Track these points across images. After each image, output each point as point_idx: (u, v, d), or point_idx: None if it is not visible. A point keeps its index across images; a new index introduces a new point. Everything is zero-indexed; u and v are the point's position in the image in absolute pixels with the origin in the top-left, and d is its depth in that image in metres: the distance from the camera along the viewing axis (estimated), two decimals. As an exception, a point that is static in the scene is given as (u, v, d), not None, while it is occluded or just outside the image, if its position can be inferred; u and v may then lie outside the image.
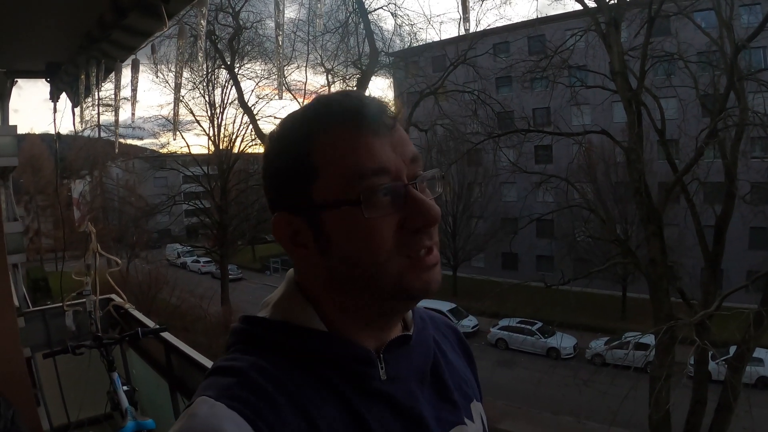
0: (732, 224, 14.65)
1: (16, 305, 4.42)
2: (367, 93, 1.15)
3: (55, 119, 3.77)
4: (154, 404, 4.34)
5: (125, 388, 3.81)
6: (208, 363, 3.40)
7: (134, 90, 2.49)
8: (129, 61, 2.49)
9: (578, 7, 16.06)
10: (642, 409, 13.58)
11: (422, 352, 1.01)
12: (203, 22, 1.80)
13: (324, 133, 0.86)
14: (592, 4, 15.42)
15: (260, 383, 0.83)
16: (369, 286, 0.88)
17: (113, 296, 5.10)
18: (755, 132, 14.15)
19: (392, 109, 0.93)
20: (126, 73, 2.55)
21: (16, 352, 4.21)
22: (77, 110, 3.52)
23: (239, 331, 0.96)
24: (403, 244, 0.86)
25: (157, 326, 4.15)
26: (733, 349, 12.93)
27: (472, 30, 17.67)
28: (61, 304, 4.78)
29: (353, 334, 0.92)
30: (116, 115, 2.82)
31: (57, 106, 3.86)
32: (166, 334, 4.02)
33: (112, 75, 2.76)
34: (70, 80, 3.35)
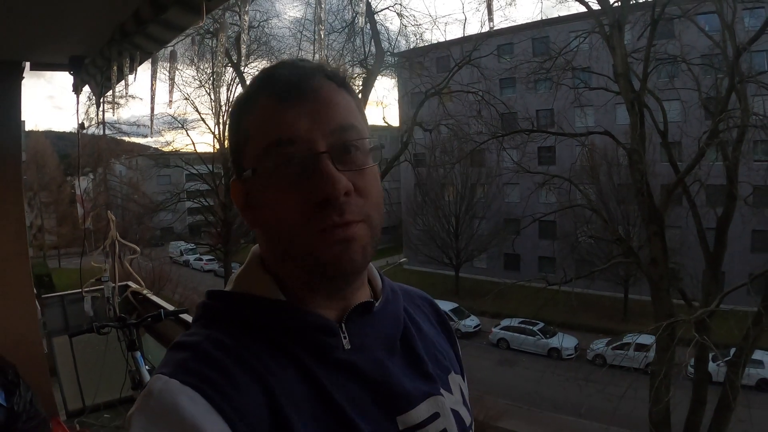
0: (734, 227, 14.73)
1: (34, 292, 4.53)
2: (314, 59, 1.21)
3: (77, 111, 3.87)
4: None
5: (147, 367, 3.86)
6: None
7: (172, 79, 2.59)
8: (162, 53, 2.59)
9: (582, 9, 16.17)
10: (642, 409, 13.68)
11: (389, 322, 0.99)
12: (246, 18, 1.90)
13: (252, 102, 0.89)
14: (596, 7, 15.49)
15: (214, 355, 0.83)
16: (288, 257, 0.89)
17: (130, 283, 5.21)
18: (757, 135, 14.22)
19: (330, 72, 0.92)
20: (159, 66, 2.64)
21: (35, 337, 4.33)
22: (101, 102, 3.62)
23: (202, 305, 0.96)
24: (312, 217, 0.84)
25: (177, 309, 4.25)
26: (733, 351, 12.99)
27: (475, 31, 17.75)
28: (79, 290, 4.88)
29: (314, 304, 0.91)
30: (152, 102, 2.92)
31: (80, 99, 3.96)
32: (186, 316, 4.11)
33: (140, 67, 2.85)
34: (95, 72, 3.42)
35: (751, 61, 15.11)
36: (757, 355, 18.35)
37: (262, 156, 0.86)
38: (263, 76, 0.91)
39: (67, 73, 3.82)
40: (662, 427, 13.53)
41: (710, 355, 13.82)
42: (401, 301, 1.05)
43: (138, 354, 3.88)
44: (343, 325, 0.92)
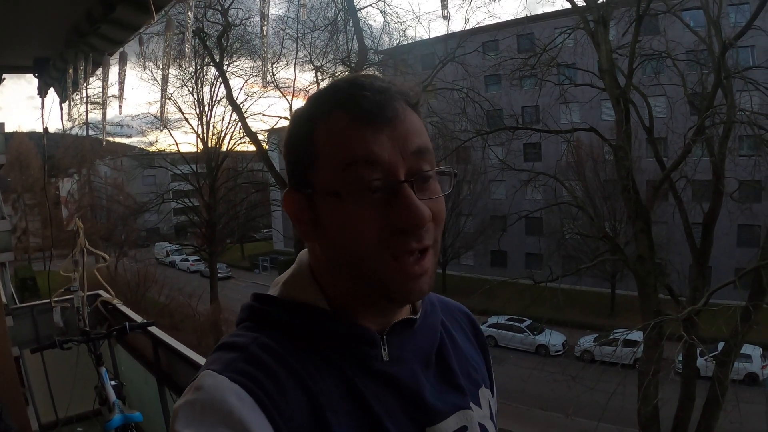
0: (720, 222, 14.73)
1: (3, 302, 4.40)
2: (386, 76, 1.17)
3: (43, 115, 3.75)
4: (143, 399, 4.34)
5: (113, 382, 3.82)
6: (196, 357, 3.42)
7: (122, 82, 2.49)
8: (117, 54, 2.50)
9: (567, 5, 16.11)
10: (631, 405, 13.66)
11: (427, 336, 1.01)
12: (191, 14, 1.81)
13: (324, 120, 0.87)
14: (580, 3, 15.45)
15: (262, 358, 0.85)
16: (354, 276, 0.89)
17: (101, 292, 5.08)
18: (743, 130, 14.22)
19: (407, 95, 0.92)
20: (114, 67, 2.56)
21: (4, 350, 4.20)
22: (65, 106, 3.50)
23: (248, 308, 0.99)
24: (389, 243, 0.85)
25: (145, 321, 4.15)
26: (721, 346, 13.00)
27: (460, 28, 17.69)
28: (48, 300, 4.76)
29: (358, 315, 0.94)
30: (104, 107, 2.83)
31: (45, 102, 3.84)
32: (153, 329, 4.03)
33: (100, 69, 2.75)
34: (58, 75, 3.34)
35: (737, 56, 15.13)
36: (746, 349, 18.53)
37: (340, 175, 0.85)
38: (342, 94, 0.88)
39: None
40: (651, 424, 13.53)
41: (698, 350, 13.83)
42: (439, 315, 1.08)
43: (103, 370, 3.81)
44: (384, 337, 0.95)
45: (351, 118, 0.85)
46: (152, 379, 4.09)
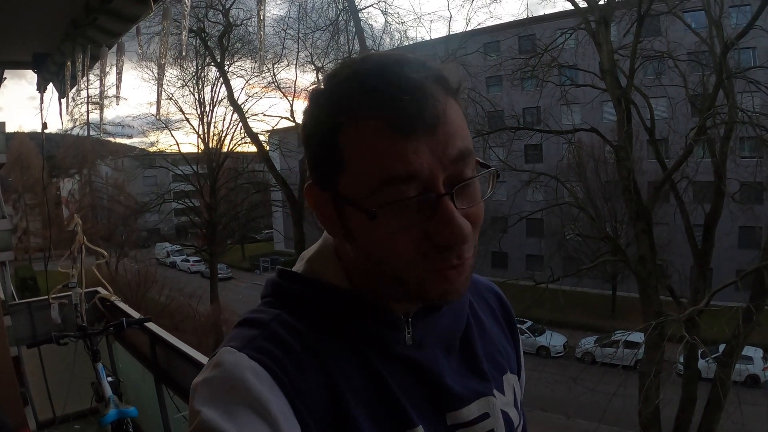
0: (722, 223, 14.73)
1: (2, 299, 4.40)
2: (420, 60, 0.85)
3: (42, 110, 3.74)
4: (140, 396, 4.33)
5: (110, 379, 3.81)
6: (194, 353, 3.41)
7: (119, 73, 2.48)
8: (114, 47, 2.49)
9: (569, 6, 16.13)
10: (632, 406, 13.65)
11: (453, 320, 0.98)
12: (186, 9, 1.76)
13: (353, 123, 0.77)
14: (582, 3, 15.48)
15: (282, 336, 0.84)
16: (393, 282, 0.85)
17: (99, 289, 5.08)
18: (744, 131, 14.22)
19: (447, 82, 0.82)
20: (111, 60, 2.54)
21: (2, 346, 4.20)
22: (64, 101, 3.49)
23: (271, 283, 0.97)
24: (428, 257, 0.80)
25: (142, 317, 4.14)
26: (722, 348, 13.01)
27: (462, 29, 17.73)
28: (46, 297, 4.75)
29: (382, 297, 0.90)
30: (101, 99, 2.81)
31: (44, 97, 3.84)
32: (150, 325, 4.02)
33: (98, 63, 2.74)
34: (56, 70, 3.34)
35: (738, 57, 15.14)
36: (748, 351, 18.52)
37: (375, 193, 0.77)
38: (374, 94, 0.77)
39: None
40: (652, 425, 13.53)
41: (699, 352, 13.83)
42: (467, 298, 1.05)
43: (100, 366, 3.81)
44: (409, 320, 0.91)
45: (386, 126, 0.75)
46: (150, 376, 4.07)
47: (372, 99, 0.77)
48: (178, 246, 42.89)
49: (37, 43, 3.30)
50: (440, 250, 0.79)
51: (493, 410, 0.97)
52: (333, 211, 0.85)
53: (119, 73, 2.46)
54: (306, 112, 0.86)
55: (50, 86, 3.79)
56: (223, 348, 0.83)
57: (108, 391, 3.71)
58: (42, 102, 3.82)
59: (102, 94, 2.71)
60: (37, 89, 3.84)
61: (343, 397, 0.82)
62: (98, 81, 2.93)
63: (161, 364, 3.94)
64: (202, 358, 3.25)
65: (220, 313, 25.85)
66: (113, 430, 3.53)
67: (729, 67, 13.72)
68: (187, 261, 43.88)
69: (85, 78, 2.78)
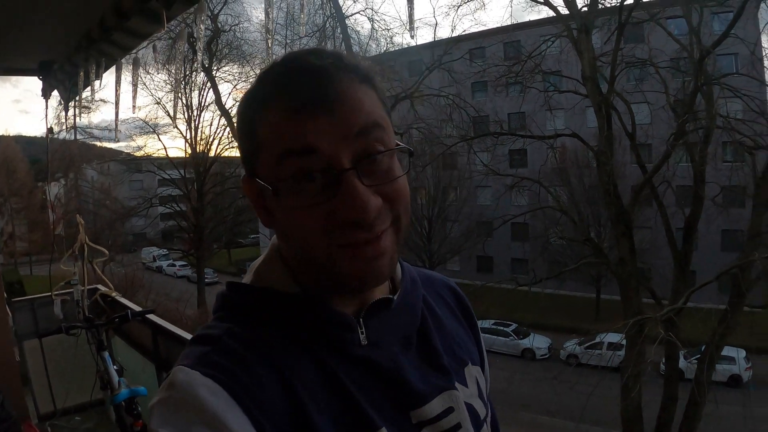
0: (704, 227, 15.04)
1: (4, 295, 4.55)
2: (329, 48, 1.09)
3: (47, 116, 3.91)
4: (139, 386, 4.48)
5: (115, 367, 3.91)
6: None
7: (135, 85, 2.67)
8: (130, 59, 2.66)
9: (552, 13, 16.38)
10: (615, 406, 13.85)
11: (407, 315, 0.97)
12: (202, 27, 1.95)
13: (263, 108, 0.82)
14: (564, 11, 15.75)
15: (235, 348, 0.83)
16: (308, 263, 0.87)
17: (99, 286, 5.24)
18: (725, 136, 14.52)
19: (356, 68, 0.84)
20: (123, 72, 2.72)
21: (5, 341, 4.35)
22: (70, 107, 3.67)
23: (221, 296, 0.96)
24: (334, 234, 0.81)
25: (145, 309, 4.31)
26: (703, 348, 13.28)
27: (447, 35, 17.89)
28: (49, 293, 4.90)
29: (331, 298, 0.90)
30: (117, 107, 2.99)
31: (48, 104, 4.01)
32: (152, 316, 4.18)
33: (106, 73, 2.91)
34: (63, 78, 3.48)
35: (714, 64, 15.39)
36: (730, 352, 18.94)
37: (275, 166, 0.81)
38: (275, 77, 0.83)
39: (35, 78, 3.88)
40: (634, 424, 13.73)
41: (681, 353, 14.08)
42: (420, 292, 1.03)
43: (106, 354, 3.93)
44: (361, 320, 0.91)
45: (285, 108, 0.79)
46: (150, 366, 4.24)
47: (275, 84, 0.82)
48: (164, 250, 42.64)
49: (45, 51, 3.41)
50: (346, 225, 0.80)
51: (457, 404, 0.96)
52: (260, 199, 0.88)
53: (135, 85, 2.65)
54: (237, 110, 0.91)
55: (54, 93, 3.95)
56: (175, 367, 0.82)
57: (115, 376, 3.83)
58: (47, 108, 3.99)
59: (117, 104, 2.88)
60: (42, 95, 3.99)
61: (303, 404, 0.81)
62: (101, 90, 3.09)
63: (163, 354, 4.10)
64: None
65: (206, 317, 25.65)
66: (126, 407, 3.67)
67: (707, 73, 14.02)
68: (174, 265, 43.61)
69: (93, 88, 2.95)
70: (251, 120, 0.84)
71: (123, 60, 2.65)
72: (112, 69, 2.86)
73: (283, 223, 0.85)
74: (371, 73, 0.86)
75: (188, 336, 3.66)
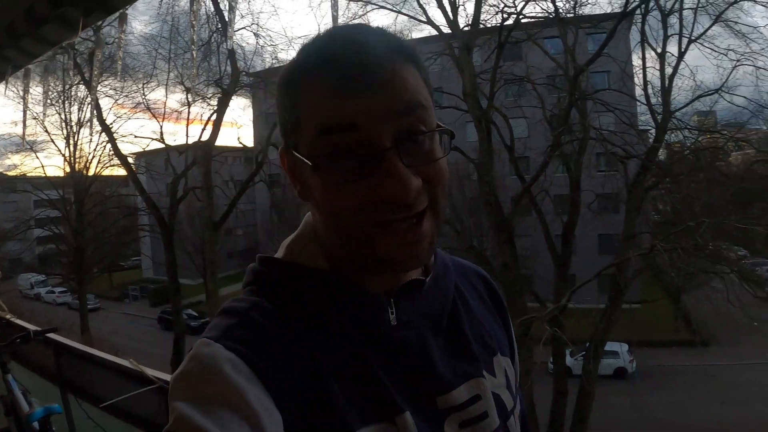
0: (582, 233, 15.91)
1: None
2: (377, 25, 0.86)
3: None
4: None
5: (21, 389, 3.75)
6: (102, 356, 3.47)
7: (46, 92, 2.61)
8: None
9: (435, 32, 16.87)
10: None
11: (438, 299, 0.95)
12: (123, 36, 1.98)
13: (305, 82, 0.81)
14: (446, 30, 16.26)
15: (261, 323, 0.82)
16: (343, 240, 0.84)
17: (-11, 309, 4.82)
18: (599, 147, 15.46)
19: (402, 46, 0.83)
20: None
21: None
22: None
23: (252, 271, 0.95)
24: (372, 214, 0.79)
25: (47, 328, 4.13)
26: (588, 345, 14.14)
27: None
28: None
29: (363, 277, 0.89)
30: (24, 116, 2.94)
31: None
32: (54, 335, 4.01)
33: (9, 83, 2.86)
34: None
35: (588, 80, 16.28)
36: (614, 347, 20.46)
37: (315, 141, 0.79)
38: (319, 51, 0.82)
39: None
40: (529, 421, 14.24)
41: (567, 352, 14.87)
42: (452, 277, 1.01)
43: (10, 377, 3.76)
44: (392, 300, 0.89)
45: (327, 82, 0.78)
46: (54, 389, 3.99)
47: (318, 58, 0.80)
48: (42, 276, 40.57)
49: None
50: (384, 204, 0.78)
51: (484, 392, 0.94)
52: (298, 171, 0.87)
53: (46, 93, 2.60)
54: (279, 78, 0.88)
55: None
56: (200, 339, 0.81)
57: (22, 402, 3.64)
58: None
59: (25, 114, 2.83)
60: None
61: (326, 382, 0.80)
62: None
63: (67, 374, 3.90)
64: (114, 360, 3.32)
65: (91, 344, 24.62)
66: (40, 427, 3.48)
67: (581, 89, 14.92)
68: (53, 292, 41.42)
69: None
70: (293, 93, 0.83)
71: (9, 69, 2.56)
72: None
73: (320, 198, 0.83)
74: (416, 53, 0.85)
75: (95, 351, 3.58)
